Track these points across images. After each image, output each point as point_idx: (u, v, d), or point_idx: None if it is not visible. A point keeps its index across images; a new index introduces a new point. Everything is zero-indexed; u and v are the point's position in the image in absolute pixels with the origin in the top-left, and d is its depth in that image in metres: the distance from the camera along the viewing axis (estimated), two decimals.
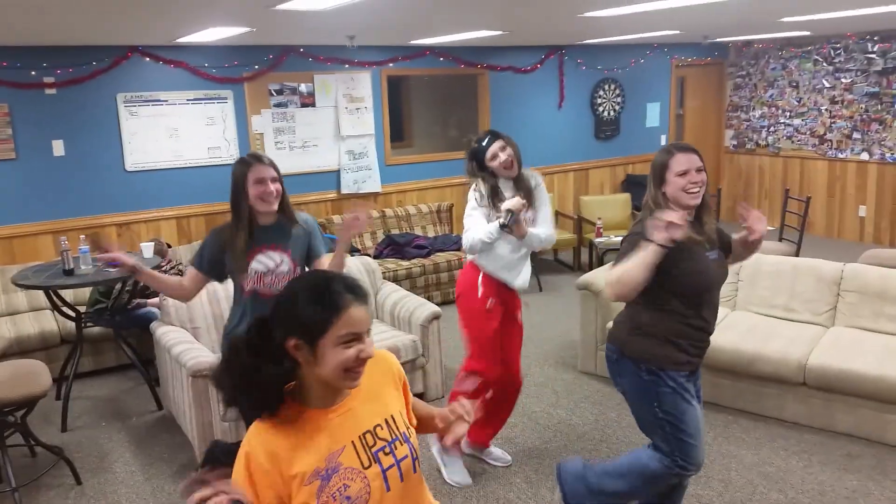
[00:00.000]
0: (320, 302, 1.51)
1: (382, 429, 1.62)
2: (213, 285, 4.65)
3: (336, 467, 1.53)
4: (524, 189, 3.55)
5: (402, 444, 1.63)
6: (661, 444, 2.73)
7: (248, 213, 2.86)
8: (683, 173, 2.60)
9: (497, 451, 3.91)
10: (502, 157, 3.48)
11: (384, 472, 1.58)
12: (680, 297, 2.65)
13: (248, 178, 2.83)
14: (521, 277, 3.62)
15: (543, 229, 3.54)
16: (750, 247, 2.84)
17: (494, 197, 3.50)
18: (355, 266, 5.02)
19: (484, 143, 3.51)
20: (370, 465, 1.57)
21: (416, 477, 1.67)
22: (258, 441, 1.52)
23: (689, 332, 2.69)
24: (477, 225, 3.44)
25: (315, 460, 1.52)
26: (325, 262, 3.06)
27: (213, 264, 2.93)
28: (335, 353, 1.50)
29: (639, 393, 2.74)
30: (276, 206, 2.90)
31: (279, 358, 1.53)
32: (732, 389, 4.36)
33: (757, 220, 2.70)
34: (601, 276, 4.96)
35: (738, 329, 4.49)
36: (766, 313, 4.75)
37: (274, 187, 2.86)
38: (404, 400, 1.76)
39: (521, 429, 4.27)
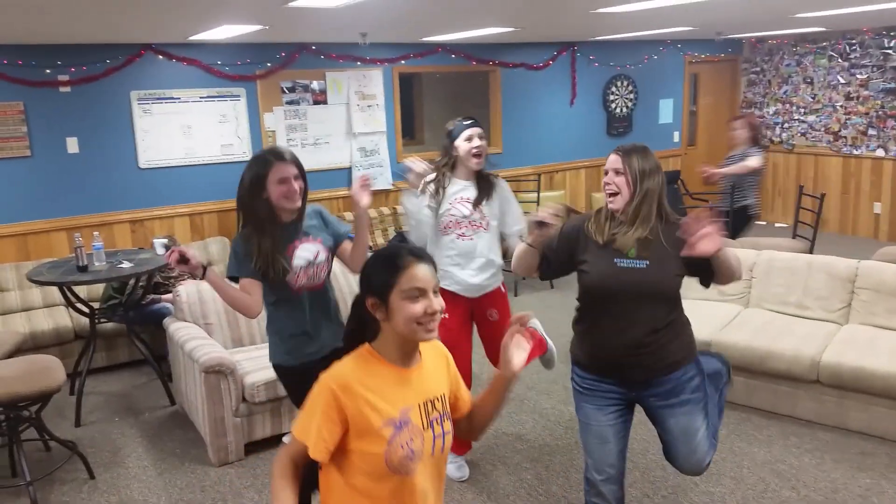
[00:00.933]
0: (387, 263, 1.73)
1: (439, 402, 1.80)
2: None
3: (408, 421, 1.71)
4: (486, 189, 3.53)
5: (447, 422, 1.81)
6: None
7: (270, 213, 2.76)
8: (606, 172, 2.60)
9: (452, 467, 3.71)
10: (477, 142, 3.44)
11: (434, 438, 1.76)
12: (582, 298, 2.68)
13: (270, 178, 2.72)
14: (477, 278, 3.54)
15: (517, 227, 3.57)
16: (718, 265, 2.45)
17: (438, 182, 3.52)
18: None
19: (467, 123, 3.47)
20: (426, 429, 1.74)
21: (446, 454, 1.84)
22: (343, 378, 1.70)
23: (588, 335, 2.66)
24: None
25: (392, 409, 1.70)
26: (348, 244, 3.01)
27: (257, 268, 2.78)
28: (404, 307, 1.68)
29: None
30: (299, 203, 2.81)
31: (368, 315, 1.75)
32: (745, 387, 4.33)
33: (701, 237, 2.28)
34: None
35: (750, 326, 4.47)
36: (780, 310, 4.72)
37: (298, 185, 2.77)
38: (452, 388, 1.91)
39: (532, 426, 4.27)
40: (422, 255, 1.74)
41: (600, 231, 2.58)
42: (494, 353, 3.65)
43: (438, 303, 1.71)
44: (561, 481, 3.65)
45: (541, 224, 2.47)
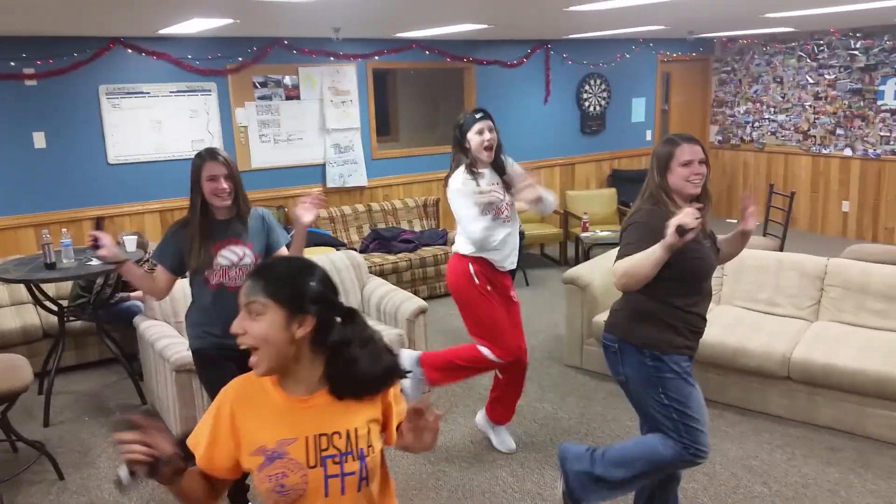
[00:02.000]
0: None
1: (340, 438, 1.62)
2: None
3: (282, 454, 1.59)
4: (502, 170, 3.62)
5: (353, 461, 1.62)
6: (670, 432, 2.73)
7: (201, 207, 2.90)
8: (687, 163, 2.66)
9: (505, 435, 3.97)
10: (487, 135, 3.48)
11: (326, 478, 1.60)
12: (679, 282, 2.67)
13: (202, 174, 2.87)
14: (511, 258, 3.66)
15: (549, 194, 3.60)
16: (738, 242, 2.87)
17: (474, 173, 3.52)
18: (341, 260, 4.99)
19: (478, 116, 3.50)
20: (315, 466, 1.60)
21: (361, 495, 1.65)
22: (237, 391, 1.66)
23: (686, 317, 2.72)
24: (475, 216, 3.45)
25: (267, 439, 1.60)
26: (284, 251, 3.11)
27: (179, 260, 2.97)
28: None
29: (643, 380, 2.75)
30: (229, 202, 2.92)
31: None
32: (717, 383, 4.38)
33: (753, 214, 2.78)
34: (587, 271, 4.97)
35: (722, 323, 4.51)
36: (751, 307, 4.78)
37: (227, 184, 2.88)
38: (382, 415, 1.73)
39: (511, 424, 4.26)
40: (253, 272, 1.62)
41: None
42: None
43: (240, 325, 1.59)
44: (536, 478, 3.66)
45: (684, 231, 2.39)
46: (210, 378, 2.99)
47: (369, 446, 1.65)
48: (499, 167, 3.62)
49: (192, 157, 2.97)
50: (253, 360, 1.58)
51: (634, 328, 2.73)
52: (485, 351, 3.60)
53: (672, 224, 2.40)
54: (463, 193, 3.47)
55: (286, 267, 1.63)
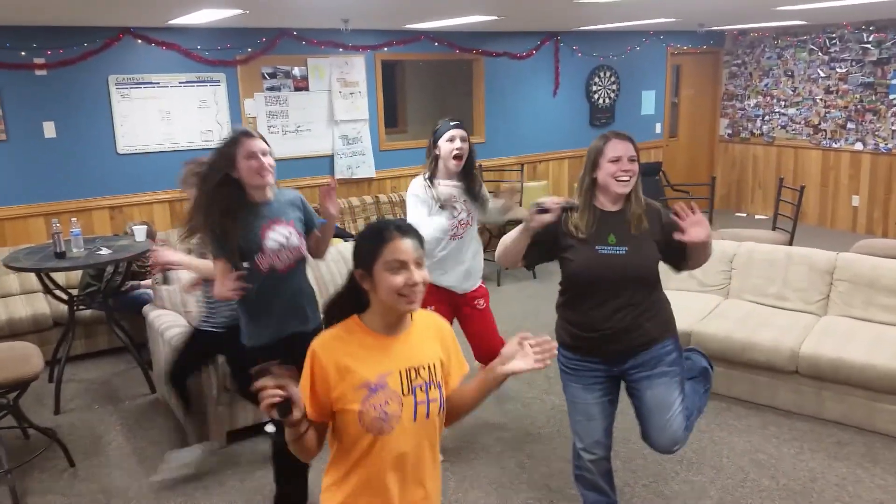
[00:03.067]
0: (373, 236, 1.82)
1: (425, 370, 1.86)
2: None
3: (384, 385, 1.79)
4: (471, 183, 3.57)
5: (434, 389, 1.86)
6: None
7: (240, 194, 2.78)
8: (615, 160, 2.62)
9: None
10: (458, 143, 3.46)
11: (416, 404, 1.82)
12: (566, 283, 2.76)
13: (238, 154, 2.73)
14: (466, 283, 3.61)
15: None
16: (697, 251, 2.65)
17: (470, 187, 3.53)
18: (349, 251, 5.00)
19: (452, 124, 3.48)
20: (407, 394, 1.81)
21: (436, 420, 1.87)
22: (325, 343, 1.83)
23: (573, 318, 2.76)
24: (424, 219, 3.42)
25: (368, 373, 1.78)
26: (316, 234, 3.08)
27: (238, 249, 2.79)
28: (386, 279, 1.76)
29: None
30: (272, 180, 2.82)
31: (357, 287, 1.84)
32: (725, 377, 4.38)
33: (694, 223, 2.52)
34: None
35: (730, 317, 4.51)
36: (759, 301, 4.76)
37: (268, 161, 2.78)
38: (448, 361, 1.95)
39: (515, 415, 4.28)
40: (407, 229, 1.81)
41: (585, 226, 2.67)
42: (482, 346, 3.67)
43: (420, 275, 1.78)
44: (543, 469, 3.67)
45: (543, 211, 2.51)
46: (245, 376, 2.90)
47: (443, 380, 1.90)
48: (469, 182, 3.56)
49: (217, 145, 2.83)
50: (418, 301, 1.81)
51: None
52: None
53: (533, 204, 2.51)
54: (420, 200, 3.48)
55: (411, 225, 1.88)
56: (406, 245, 1.78)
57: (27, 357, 3.58)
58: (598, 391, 2.80)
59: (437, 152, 3.50)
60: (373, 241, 1.80)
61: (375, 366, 1.80)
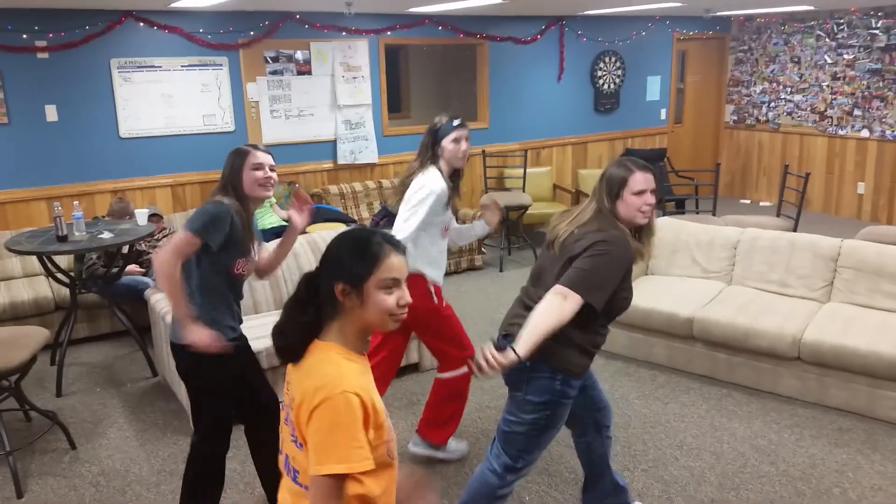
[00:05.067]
0: (363, 250, 1.64)
1: None
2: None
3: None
4: (457, 184, 3.48)
5: None
6: (510, 448, 2.68)
7: (244, 202, 2.81)
8: (640, 193, 2.55)
9: (453, 444, 3.73)
10: (465, 146, 3.35)
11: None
12: (608, 314, 2.60)
13: (246, 165, 2.78)
14: (442, 271, 3.57)
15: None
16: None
17: (454, 188, 3.44)
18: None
19: (454, 124, 3.36)
20: None
21: None
22: (360, 383, 1.59)
23: (598, 342, 2.65)
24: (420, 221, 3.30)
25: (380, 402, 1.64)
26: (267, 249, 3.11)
27: (225, 243, 2.77)
28: (379, 298, 1.62)
29: (541, 401, 2.60)
30: (271, 193, 2.88)
31: (329, 302, 1.65)
32: (727, 364, 4.37)
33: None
34: None
35: (733, 303, 4.49)
36: (763, 288, 4.74)
37: (273, 174, 2.85)
38: None
39: (500, 411, 4.27)
40: (396, 244, 1.68)
41: (642, 252, 2.64)
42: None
43: (407, 294, 1.68)
44: (543, 453, 3.67)
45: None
46: (221, 384, 2.86)
47: None
48: (457, 181, 3.49)
49: (230, 153, 2.88)
50: (399, 322, 1.68)
51: (560, 352, 2.55)
52: (448, 374, 3.55)
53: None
54: (439, 198, 3.31)
55: None
56: (400, 262, 1.65)
57: (27, 337, 3.59)
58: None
59: (440, 152, 3.38)
60: (365, 257, 1.63)
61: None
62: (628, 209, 2.56)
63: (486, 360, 2.32)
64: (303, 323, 1.66)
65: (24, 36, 5.51)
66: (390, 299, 1.63)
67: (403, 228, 3.24)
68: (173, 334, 2.80)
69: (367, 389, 1.59)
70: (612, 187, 2.59)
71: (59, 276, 4.66)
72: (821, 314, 4.31)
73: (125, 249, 4.82)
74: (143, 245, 5.23)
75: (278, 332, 1.69)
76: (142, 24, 5.94)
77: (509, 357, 2.35)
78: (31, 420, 4.12)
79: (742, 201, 9.74)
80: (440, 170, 3.36)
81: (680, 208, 7.95)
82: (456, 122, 3.38)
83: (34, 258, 4.99)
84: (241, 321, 2.96)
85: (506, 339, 2.61)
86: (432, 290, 3.44)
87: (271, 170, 2.84)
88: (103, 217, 5.25)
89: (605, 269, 2.48)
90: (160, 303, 4.27)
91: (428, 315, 3.45)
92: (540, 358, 2.49)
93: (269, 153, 2.89)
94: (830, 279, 4.58)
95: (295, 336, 1.67)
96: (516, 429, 2.65)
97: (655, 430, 3.91)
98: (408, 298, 1.67)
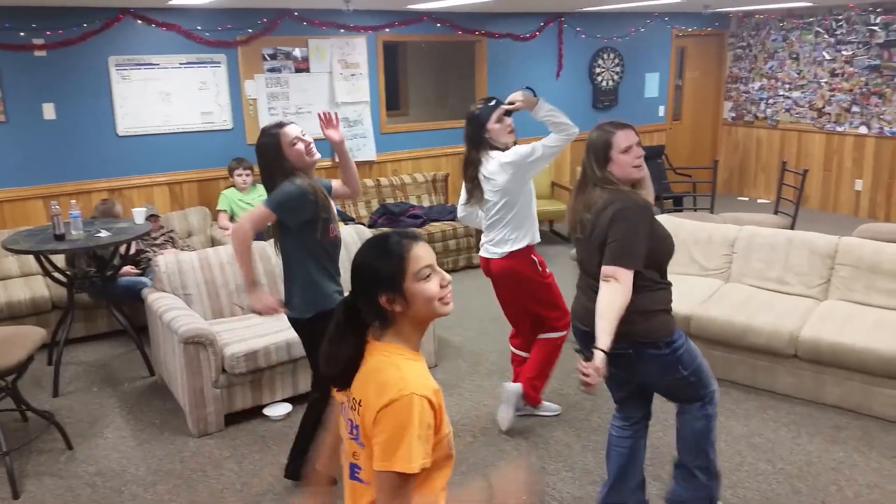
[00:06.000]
0: (387, 253, 1.68)
1: None
2: (207, 252, 4.64)
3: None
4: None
5: None
6: (693, 397, 2.81)
7: (292, 173, 2.95)
8: (627, 150, 2.63)
9: (548, 403, 4.05)
10: (507, 120, 3.52)
11: None
12: (656, 266, 2.70)
13: (283, 143, 2.94)
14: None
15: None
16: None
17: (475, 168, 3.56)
18: (349, 235, 4.99)
19: (492, 105, 3.51)
20: None
21: None
22: (428, 387, 1.62)
23: (669, 293, 2.76)
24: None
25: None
26: (337, 183, 3.33)
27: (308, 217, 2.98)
28: (422, 289, 1.66)
29: (665, 370, 2.74)
30: (319, 155, 3.04)
31: (380, 316, 1.69)
32: (725, 361, 4.37)
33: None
34: None
35: (731, 301, 4.49)
36: (760, 286, 4.74)
37: (310, 138, 3.01)
38: None
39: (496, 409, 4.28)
40: (413, 235, 1.72)
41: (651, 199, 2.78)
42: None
43: (445, 273, 1.73)
44: (540, 452, 3.68)
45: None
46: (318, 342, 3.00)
47: None
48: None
49: (258, 146, 3.02)
50: (451, 301, 1.74)
51: (644, 326, 2.66)
52: (551, 335, 3.77)
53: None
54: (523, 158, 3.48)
55: None
56: (424, 249, 1.69)
57: (24, 337, 3.59)
58: None
59: (487, 135, 3.52)
60: (392, 259, 1.66)
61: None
62: (622, 168, 2.65)
63: (587, 375, 2.43)
64: (345, 353, 1.71)
65: (22, 34, 5.50)
66: (432, 285, 1.67)
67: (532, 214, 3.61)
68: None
69: (435, 391, 1.64)
70: (599, 153, 2.68)
71: (56, 275, 4.66)
72: (818, 312, 4.31)
73: (122, 249, 4.81)
74: (140, 244, 5.23)
75: (326, 359, 1.75)
76: (140, 21, 5.93)
77: (599, 358, 2.46)
78: (27, 420, 4.12)
79: (740, 198, 9.74)
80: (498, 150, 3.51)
81: (678, 205, 7.95)
82: (492, 103, 3.53)
83: (31, 257, 4.98)
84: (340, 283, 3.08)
85: (584, 330, 2.74)
86: (536, 260, 3.67)
87: (304, 135, 2.99)
88: (93, 219, 5.24)
89: (634, 233, 2.58)
90: (158, 301, 4.27)
91: (536, 285, 3.69)
92: (636, 344, 2.63)
93: (293, 122, 3.04)
94: (828, 276, 4.58)
95: (339, 365, 1.71)
96: (678, 383, 2.76)
97: (653, 427, 3.88)
98: (447, 277, 1.71)
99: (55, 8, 5.58)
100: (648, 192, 2.78)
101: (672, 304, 2.78)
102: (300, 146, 2.95)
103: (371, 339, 1.72)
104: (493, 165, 3.51)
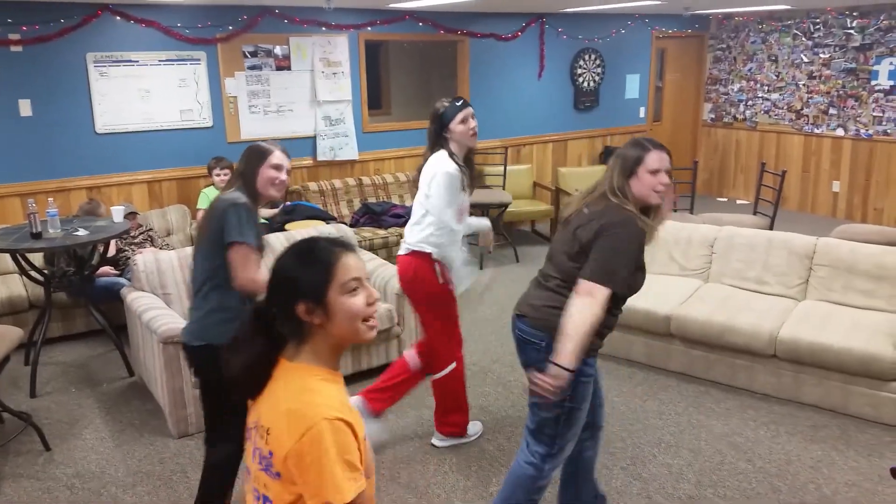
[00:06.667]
0: (313, 259, 1.53)
1: None
2: (186, 251, 4.59)
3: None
4: (472, 169, 3.50)
5: None
6: (546, 437, 2.68)
7: (255, 198, 2.81)
8: (655, 172, 2.55)
9: (471, 427, 3.86)
10: (472, 122, 3.39)
11: None
12: (625, 295, 2.61)
13: (266, 161, 2.79)
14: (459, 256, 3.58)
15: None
16: None
17: (470, 170, 3.46)
18: (331, 234, 4.97)
19: (458, 104, 3.39)
20: None
21: None
22: (346, 410, 1.49)
23: (615, 321, 2.67)
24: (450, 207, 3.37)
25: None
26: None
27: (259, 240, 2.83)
28: (346, 303, 1.51)
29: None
30: (280, 196, 2.91)
31: (294, 327, 1.53)
32: (704, 361, 4.40)
33: None
34: None
35: (710, 301, 4.53)
36: (739, 286, 4.79)
37: (287, 178, 2.86)
38: None
39: (495, 397, 4.29)
40: (344, 243, 1.57)
41: (652, 232, 2.62)
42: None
43: (374, 290, 1.57)
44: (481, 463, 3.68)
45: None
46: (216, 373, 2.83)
47: None
48: (470, 163, 3.49)
49: (251, 147, 2.89)
50: (376, 325, 1.59)
51: None
52: (446, 370, 3.61)
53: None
54: (456, 181, 3.34)
55: None
56: (355, 259, 1.54)
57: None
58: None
59: (448, 135, 3.39)
60: (318, 266, 1.51)
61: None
62: (642, 187, 2.56)
63: (540, 387, 2.38)
64: (254, 352, 1.55)
65: None
66: (358, 301, 1.52)
67: (444, 221, 3.36)
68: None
69: (351, 409, 1.51)
70: (627, 164, 2.58)
71: (34, 274, 4.60)
72: (796, 311, 4.36)
73: (101, 249, 4.75)
74: (120, 243, 5.17)
75: (231, 364, 1.57)
76: (118, 17, 5.86)
77: (558, 374, 2.41)
78: (3, 422, 4.06)
79: (719, 199, 9.82)
80: (450, 152, 3.38)
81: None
82: (459, 103, 3.39)
83: (7, 256, 4.91)
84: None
85: (520, 318, 2.70)
86: (437, 269, 3.45)
87: (287, 173, 2.85)
88: (76, 217, 5.18)
89: (622, 254, 2.50)
90: (137, 301, 4.23)
91: (428, 294, 3.49)
92: (553, 342, 2.51)
93: (289, 156, 2.88)
94: (806, 277, 4.63)
95: (247, 368, 1.56)
96: (544, 415, 2.66)
97: (634, 427, 3.94)
98: (375, 294, 1.56)
99: (32, 2, 5.50)
100: (657, 223, 2.65)
101: (608, 333, 2.69)
102: (275, 174, 2.79)
103: (283, 359, 1.55)
104: (430, 167, 3.40)
